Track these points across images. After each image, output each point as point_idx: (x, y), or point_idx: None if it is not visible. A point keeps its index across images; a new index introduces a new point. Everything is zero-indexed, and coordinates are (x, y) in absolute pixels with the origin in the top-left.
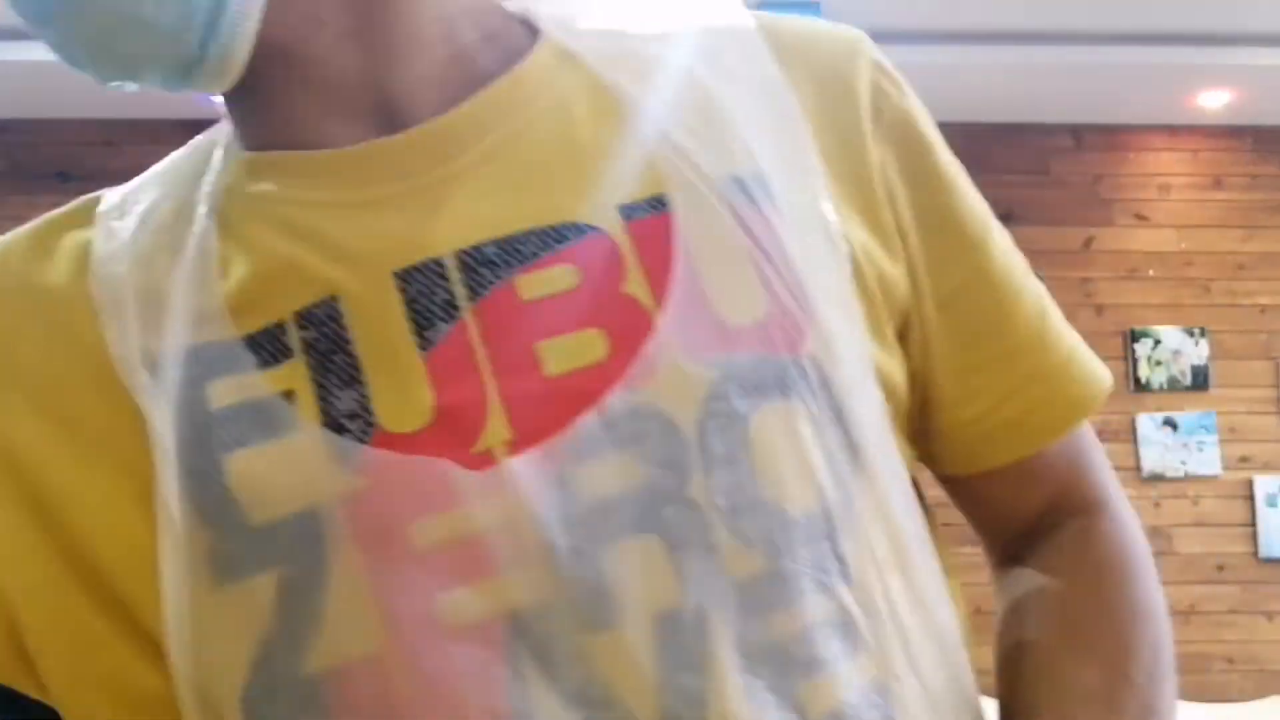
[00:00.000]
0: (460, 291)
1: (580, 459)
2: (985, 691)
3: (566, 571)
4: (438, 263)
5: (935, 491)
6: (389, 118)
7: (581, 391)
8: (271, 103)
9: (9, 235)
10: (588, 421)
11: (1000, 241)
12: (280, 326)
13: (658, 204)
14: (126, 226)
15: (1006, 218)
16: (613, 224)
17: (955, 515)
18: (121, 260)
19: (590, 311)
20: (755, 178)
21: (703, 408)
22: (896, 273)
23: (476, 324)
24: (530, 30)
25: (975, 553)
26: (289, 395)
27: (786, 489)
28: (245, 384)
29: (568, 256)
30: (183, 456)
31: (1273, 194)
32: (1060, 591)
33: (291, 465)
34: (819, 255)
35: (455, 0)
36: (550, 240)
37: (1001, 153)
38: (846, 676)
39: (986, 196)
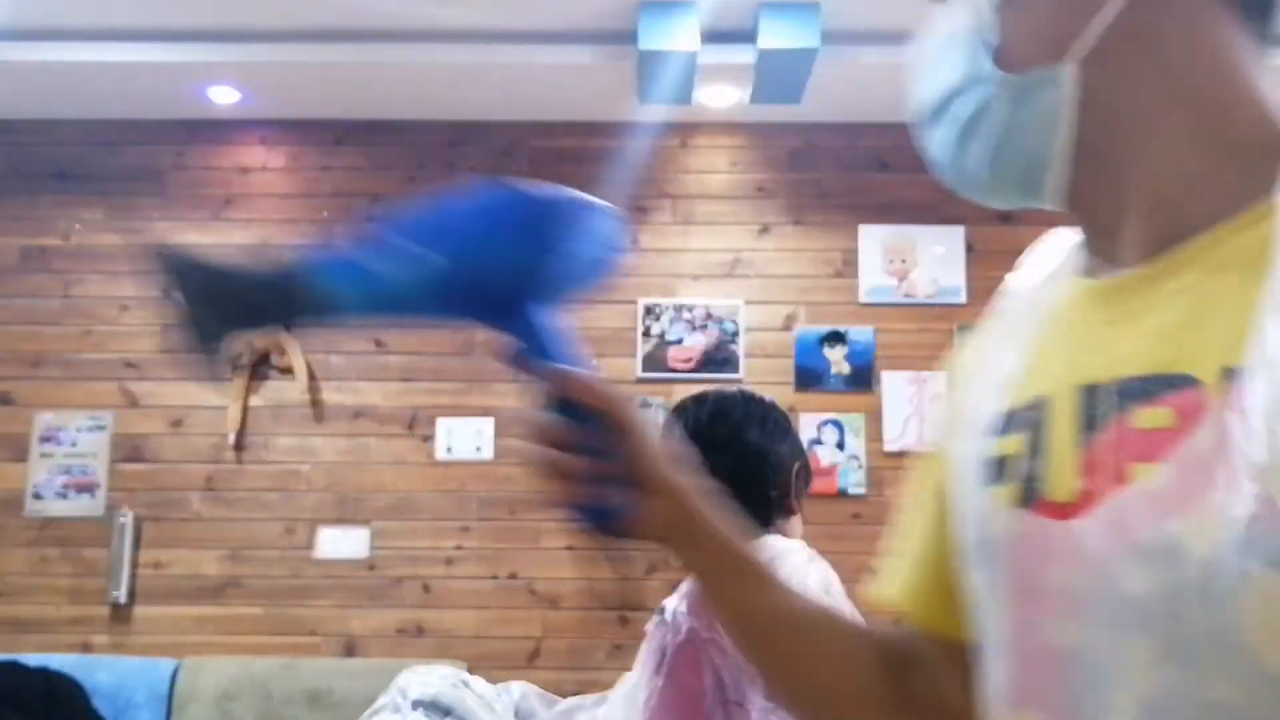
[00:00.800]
0: (1107, 411)
1: (1130, 558)
2: None
3: (1119, 616)
4: (1102, 386)
5: None
6: (1114, 255)
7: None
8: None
9: None
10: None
11: None
12: (1022, 408)
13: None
14: (1007, 304)
15: (1005, 218)
16: (1215, 381)
17: None
18: (994, 328)
19: (1171, 449)
20: None
21: (1219, 551)
22: None
23: (1108, 437)
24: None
25: None
26: (1006, 459)
27: (1269, 650)
28: (991, 444)
29: (1172, 402)
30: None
31: None
32: None
33: (991, 506)
34: None
35: (1198, 156)
36: (1168, 385)
37: None
38: None
39: None
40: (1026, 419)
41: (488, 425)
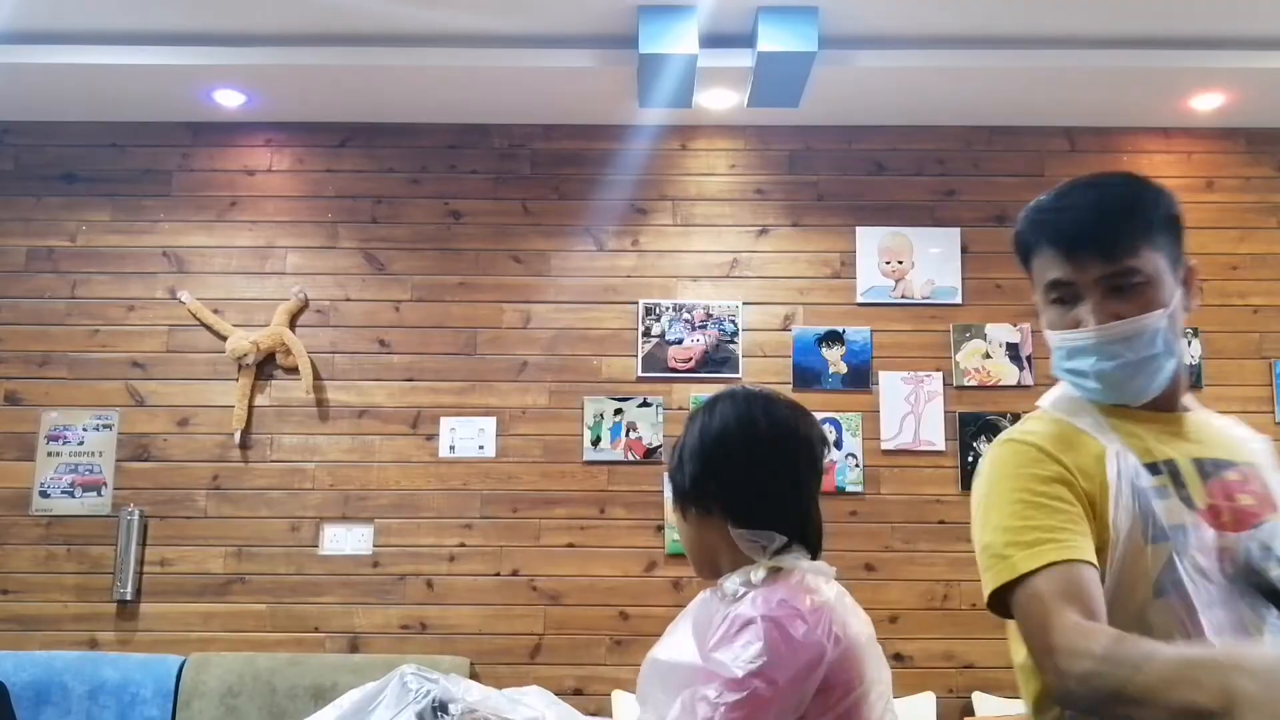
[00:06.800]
0: (1205, 470)
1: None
2: (978, 687)
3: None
4: (1194, 460)
5: (934, 489)
6: (1155, 408)
7: (1251, 514)
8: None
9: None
10: (1262, 523)
11: None
12: (1161, 462)
13: (1249, 464)
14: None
15: (1001, 219)
16: (1246, 462)
17: (955, 513)
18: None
19: (1250, 488)
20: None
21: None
22: None
23: (1218, 481)
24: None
25: (968, 548)
26: (1165, 486)
27: None
28: (1147, 479)
29: (1238, 470)
30: (1132, 507)
31: (1265, 195)
32: None
33: (1168, 510)
34: None
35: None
36: (1228, 464)
37: (996, 155)
38: None
39: (982, 199)
40: (1165, 469)
41: (490, 424)
